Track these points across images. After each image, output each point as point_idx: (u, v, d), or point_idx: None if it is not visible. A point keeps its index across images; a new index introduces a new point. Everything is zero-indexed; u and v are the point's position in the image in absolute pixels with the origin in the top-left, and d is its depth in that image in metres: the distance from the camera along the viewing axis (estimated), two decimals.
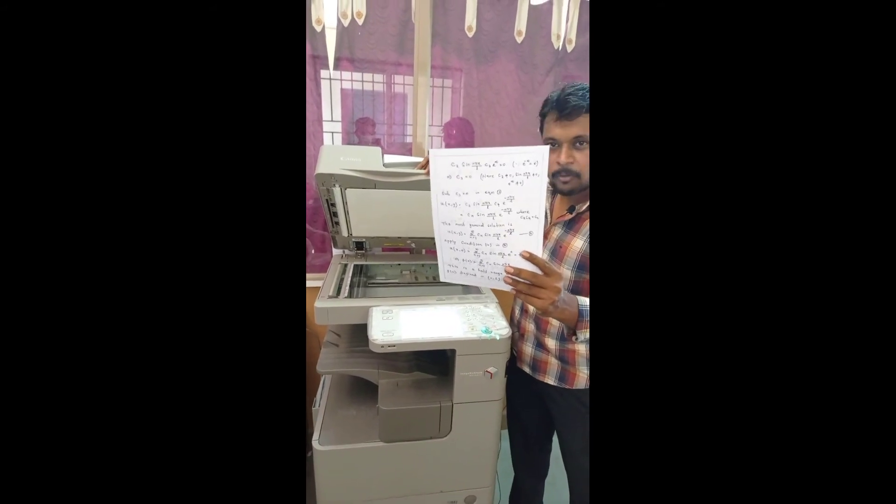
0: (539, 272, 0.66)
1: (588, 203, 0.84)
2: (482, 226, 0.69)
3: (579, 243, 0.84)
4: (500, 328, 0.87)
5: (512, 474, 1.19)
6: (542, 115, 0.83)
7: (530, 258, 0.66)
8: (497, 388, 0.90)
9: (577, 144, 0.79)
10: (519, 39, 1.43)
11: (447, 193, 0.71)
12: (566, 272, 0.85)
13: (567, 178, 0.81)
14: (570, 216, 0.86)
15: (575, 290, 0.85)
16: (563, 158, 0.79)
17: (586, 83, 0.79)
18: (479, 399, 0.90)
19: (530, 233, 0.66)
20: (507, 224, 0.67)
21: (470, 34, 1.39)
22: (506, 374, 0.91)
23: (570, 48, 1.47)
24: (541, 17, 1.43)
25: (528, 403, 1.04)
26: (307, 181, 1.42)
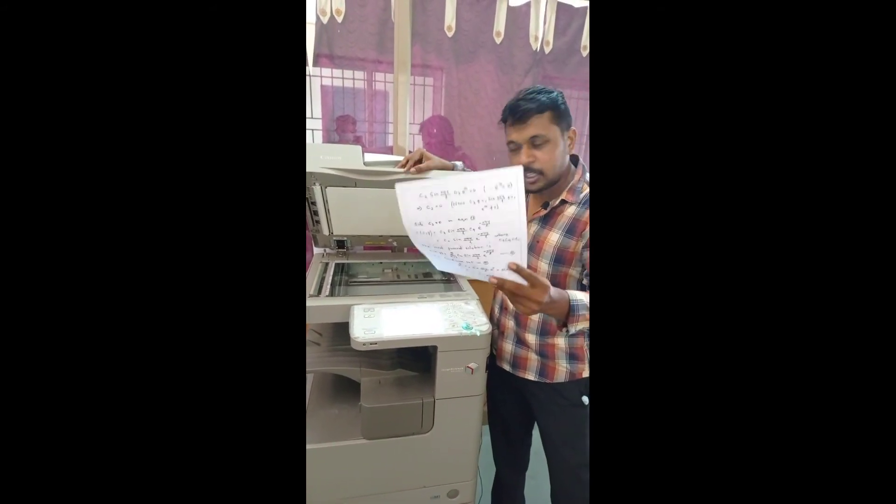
0: (524, 282, 0.66)
1: (560, 198, 0.87)
2: (461, 248, 0.68)
3: (555, 237, 0.87)
4: (480, 324, 0.89)
5: (493, 468, 1.21)
6: (504, 122, 0.87)
7: (517, 270, 0.65)
8: (478, 384, 0.92)
9: (535, 143, 0.82)
10: (498, 40, 1.45)
11: (420, 224, 0.70)
12: (543, 266, 0.88)
13: (533, 177, 0.84)
14: (544, 212, 0.89)
15: (553, 283, 0.86)
16: (523, 159, 0.83)
17: (540, 86, 0.83)
18: (461, 395, 0.91)
19: (511, 252, 0.64)
20: (486, 246, 0.65)
21: (449, 34, 1.40)
22: (486, 370, 0.93)
23: (547, 49, 1.49)
24: (519, 19, 1.45)
25: (508, 399, 1.06)
26: None
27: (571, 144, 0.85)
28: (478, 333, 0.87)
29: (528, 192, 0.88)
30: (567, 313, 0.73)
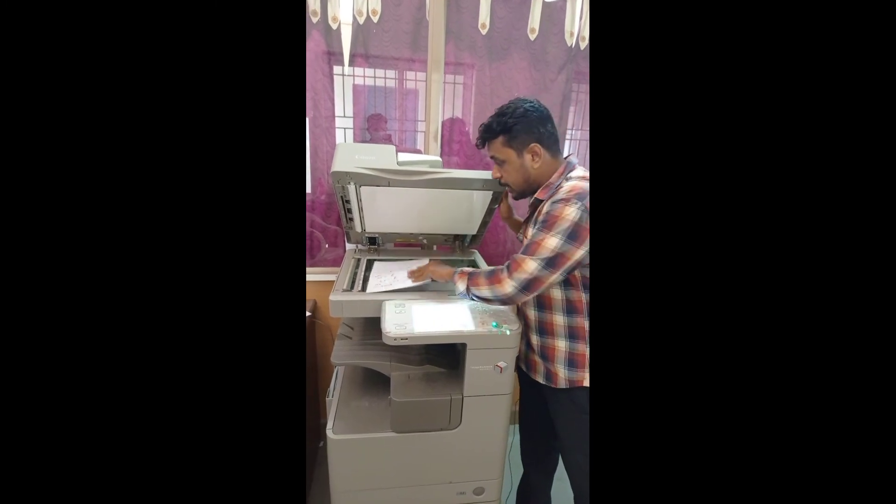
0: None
1: (535, 196, 0.93)
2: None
3: (530, 231, 0.90)
4: (509, 323, 0.89)
5: (521, 468, 1.21)
6: None
7: (409, 274, 1.03)
8: (506, 383, 0.92)
9: (497, 162, 0.95)
10: (532, 37, 1.43)
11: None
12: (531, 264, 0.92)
13: (507, 188, 0.99)
14: (529, 212, 0.96)
15: None
16: (494, 174, 0.98)
17: (512, 103, 0.91)
18: (489, 393, 0.92)
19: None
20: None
21: (483, 31, 1.40)
22: (515, 369, 0.93)
23: (583, 45, 1.46)
24: (554, 15, 1.42)
25: (533, 400, 1.06)
26: (322, 177, 1.45)
27: (534, 158, 0.91)
28: (507, 332, 0.87)
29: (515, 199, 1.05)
30: (452, 274, 0.95)
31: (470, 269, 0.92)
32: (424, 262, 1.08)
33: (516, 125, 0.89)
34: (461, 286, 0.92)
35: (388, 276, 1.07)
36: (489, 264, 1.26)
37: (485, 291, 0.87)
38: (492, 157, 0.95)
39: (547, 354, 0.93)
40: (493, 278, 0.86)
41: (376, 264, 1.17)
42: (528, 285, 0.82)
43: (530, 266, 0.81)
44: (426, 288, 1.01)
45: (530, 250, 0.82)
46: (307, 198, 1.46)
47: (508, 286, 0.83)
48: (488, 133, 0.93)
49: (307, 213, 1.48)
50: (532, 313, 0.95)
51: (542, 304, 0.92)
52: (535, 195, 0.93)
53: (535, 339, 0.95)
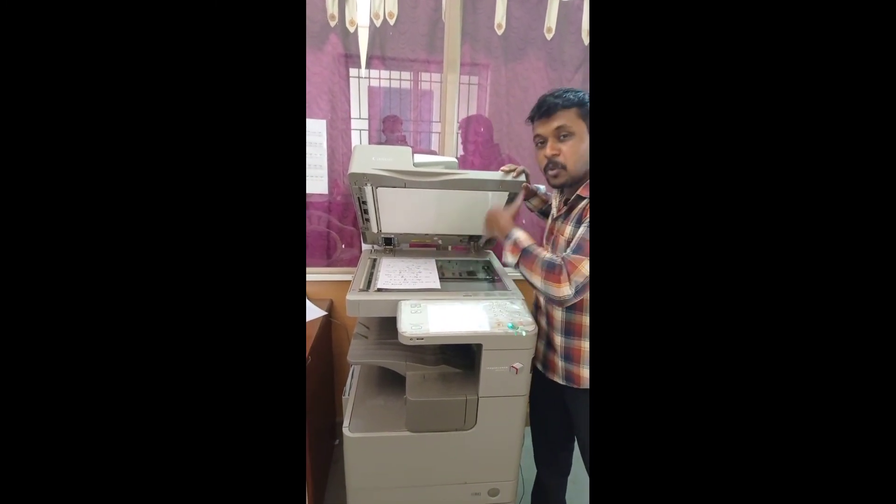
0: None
1: (577, 193, 0.88)
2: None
3: (568, 230, 0.88)
4: (526, 325, 0.88)
5: (535, 470, 1.20)
6: (532, 120, 0.92)
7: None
8: (522, 384, 0.91)
9: (561, 137, 0.86)
10: (548, 36, 1.42)
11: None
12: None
13: (555, 171, 0.89)
14: (565, 208, 0.92)
15: None
16: (548, 151, 0.88)
17: (569, 87, 0.87)
18: (505, 394, 0.91)
19: None
20: None
21: (499, 32, 1.40)
22: (530, 371, 0.93)
23: None
24: (570, 14, 1.41)
25: (548, 401, 1.06)
26: (339, 179, 1.46)
27: None
28: (524, 334, 0.87)
29: (553, 186, 0.95)
30: (505, 234, 0.91)
31: (526, 244, 0.87)
32: (431, 263, 1.07)
33: (588, 102, 0.83)
34: (511, 259, 0.88)
35: (398, 276, 1.08)
36: None
37: (537, 282, 0.83)
38: (556, 128, 0.85)
39: (571, 356, 0.92)
40: (550, 275, 0.80)
41: (384, 261, 1.18)
42: (584, 288, 0.79)
43: (587, 268, 0.77)
44: (443, 288, 1.01)
45: (585, 250, 0.78)
46: (324, 199, 1.49)
47: (567, 289, 0.79)
48: (562, 100, 0.84)
49: (324, 214, 1.50)
50: (559, 314, 0.92)
51: (573, 304, 0.89)
52: (578, 192, 0.88)
53: (558, 340, 0.93)
